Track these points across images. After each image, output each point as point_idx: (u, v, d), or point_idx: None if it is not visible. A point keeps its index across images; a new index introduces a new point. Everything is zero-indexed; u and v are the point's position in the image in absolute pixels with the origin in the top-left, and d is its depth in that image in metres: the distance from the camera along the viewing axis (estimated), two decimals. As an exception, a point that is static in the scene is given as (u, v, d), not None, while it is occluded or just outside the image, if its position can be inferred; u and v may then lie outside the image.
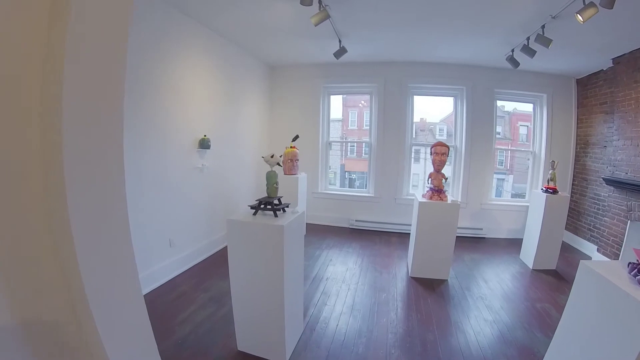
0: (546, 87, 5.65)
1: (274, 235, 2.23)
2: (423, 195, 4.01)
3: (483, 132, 5.71)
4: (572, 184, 5.77)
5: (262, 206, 2.46)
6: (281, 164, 2.87)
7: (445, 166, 4.06)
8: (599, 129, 5.19)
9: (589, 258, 4.81)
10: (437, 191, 3.89)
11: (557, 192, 4.33)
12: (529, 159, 6.05)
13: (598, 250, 4.73)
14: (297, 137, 5.08)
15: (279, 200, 2.58)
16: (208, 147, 4.28)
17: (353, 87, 6.09)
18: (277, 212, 2.44)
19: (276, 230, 2.22)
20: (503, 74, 5.54)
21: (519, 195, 6.54)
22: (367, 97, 6.14)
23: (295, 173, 5.08)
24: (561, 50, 4.28)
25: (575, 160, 5.76)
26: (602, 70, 5.04)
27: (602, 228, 4.76)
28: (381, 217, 5.95)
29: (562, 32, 3.64)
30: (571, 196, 5.56)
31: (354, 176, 7.06)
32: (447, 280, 3.95)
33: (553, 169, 4.43)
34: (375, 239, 5.55)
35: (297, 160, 5.09)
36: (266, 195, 2.57)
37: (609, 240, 4.51)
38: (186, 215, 4.04)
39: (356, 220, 5.97)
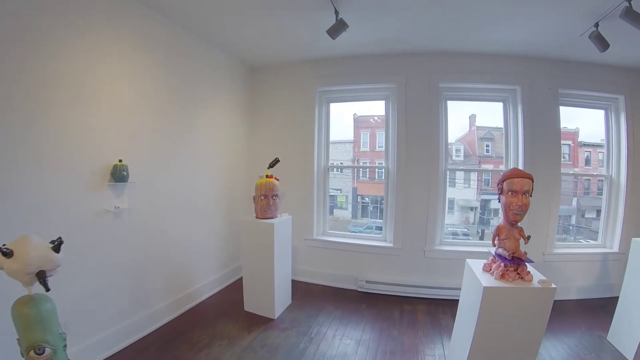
0: (622, 87, 4.07)
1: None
2: (486, 268, 2.23)
3: (545, 151, 3.98)
4: None
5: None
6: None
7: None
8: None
9: None
10: (514, 262, 2.09)
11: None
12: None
13: None
14: (276, 161, 3.43)
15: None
16: (124, 178, 2.66)
17: (361, 90, 4.39)
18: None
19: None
20: (566, 68, 3.99)
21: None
22: (382, 104, 4.40)
23: (272, 215, 3.36)
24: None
25: None
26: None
27: None
28: (402, 276, 4.13)
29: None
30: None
31: (366, 199, 5.60)
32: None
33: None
34: (395, 310, 3.73)
35: (276, 196, 3.36)
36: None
37: None
38: (92, 284, 2.58)
39: (367, 282, 4.13)
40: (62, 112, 2.33)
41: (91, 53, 2.50)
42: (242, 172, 4.54)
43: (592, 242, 4.77)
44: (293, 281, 3.99)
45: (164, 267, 3.30)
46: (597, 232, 4.87)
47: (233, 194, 4.35)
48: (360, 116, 5.17)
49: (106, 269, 2.69)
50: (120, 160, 2.68)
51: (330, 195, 5.22)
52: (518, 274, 2.09)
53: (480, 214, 5.59)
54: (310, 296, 4.04)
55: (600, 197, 5.03)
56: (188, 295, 3.61)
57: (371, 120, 5.09)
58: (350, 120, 5.14)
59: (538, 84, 3.95)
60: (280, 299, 3.57)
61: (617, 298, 3.05)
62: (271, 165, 3.46)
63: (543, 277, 2.11)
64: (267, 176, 3.40)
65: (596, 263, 4.13)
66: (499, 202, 2.23)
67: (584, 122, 4.64)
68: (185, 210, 3.53)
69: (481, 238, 5.35)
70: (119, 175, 2.65)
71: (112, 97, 2.69)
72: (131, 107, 2.86)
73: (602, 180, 4.39)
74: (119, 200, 2.75)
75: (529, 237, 2.16)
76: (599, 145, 4.71)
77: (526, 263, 2.13)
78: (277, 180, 3.44)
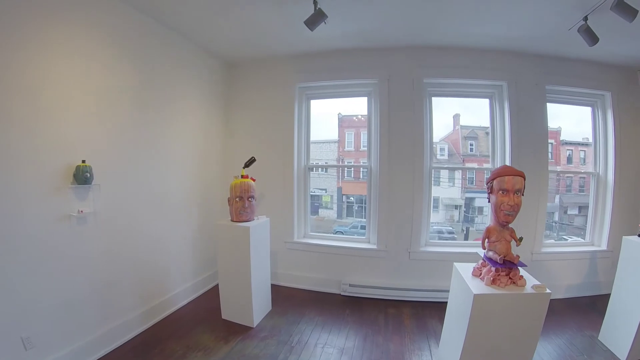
0: (608, 83, 4.01)
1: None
2: (476, 272, 2.09)
3: (532, 150, 3.89)
4: None
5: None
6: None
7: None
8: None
9: None
10: (506, 266, 1.95)
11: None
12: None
13: None
14: (252, 160, 3.22)
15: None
16: (87, 180, 2.44)
17: (342, 86, 4.19)
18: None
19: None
20: (553, 64, 3.91)
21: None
22: (364, 101, 4.24)
23: (248, 218, 3.15)
24: (629, 28, 2.79)
25: None
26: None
27: None
28: (387, 278, 3.97)
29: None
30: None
31: (352, 199, 5.57)
32: None
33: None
34: (380, 315, 3.57)
35: (252, 197, 3.15)
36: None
37: None
38: (57, 294, 2.38)
39: (350, 285, 3.96)
40: (18, 108, 2.10)
41: (52, 47, 2.28)
42: (219, 173, 4.30)
43: (575, 238, 4.78)
44: (273, 286, 3.81)
45: (135, 275, 3.07)
46: (580, 229, 4.88)
47: (209, 196, 4.11)
48: (345, 115, 5.04)
49: (72, 278, 2.48)
50: (83, 161, 2.45)
51: (316, 195, 5.08)
52: (510, 278, 1.95)
53: (465, 212, 5.56)
54: (292, 302, 3.85)
55: (582, 194, 5.03)
56: (162, 304, 3.38)
57: (354, 118, 4.92)
58: (335, 119, 5.00)
59: (525, 80, 3.85)
60: (259, 306, 3.37)
61: (606, 296, 2.98)
62: (247, 165, 3.25)
63: (537, 282, 1.98)
64: (242, 176, 3.18)
65: (584, 261, 4.07)
66: (489, 201, 2.09)
67: (566, 121, 4.62)
68: (156, 213, 3.30)
69: (466, 236, 5.33)
70: (81, 177, 2.42)
71: (74, 94, 2.45)
72: (96, 104, 2.62)
73: (584, 177, 4.36)
74: (83, 204, 2.53)
75: (521, 239, 2.03)
76: (581, 144, 4.71)
77: (516, 266, 2.00)
78: (254, 180, 3.23)
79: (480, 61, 3.81)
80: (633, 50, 3.54)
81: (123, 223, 2.91)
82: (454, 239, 5.01)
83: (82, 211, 2.48)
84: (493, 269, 1.98)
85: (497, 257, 1.97)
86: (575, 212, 5.26)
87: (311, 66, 4.09)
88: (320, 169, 5.13)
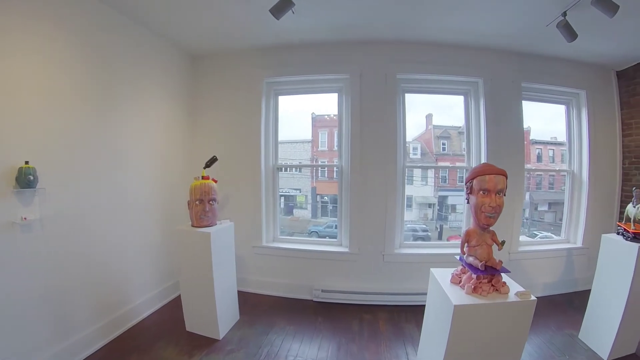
0: (583, 82, 4.02)
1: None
2: (455, 279, 1.94)
3: (509, 148, 3.82)
4: (620, 214, 4.12)
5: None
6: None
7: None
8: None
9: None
10: (488, 273, 1.80)
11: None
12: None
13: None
14: (213, 160, 2.95)
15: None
16: (30, 183, 2.18)
17: (312, 81, 3.98)
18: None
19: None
20: (529, 61, 3.86)
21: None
22: (336, 97, 4.04)
23: (210, 223, 2.88)
24: (607, 26, 2.85)
25: (622, 180, 4.16)
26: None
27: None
28: (361, 282, 3.80)
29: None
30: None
31: (326, 198, 5.40)
32: None
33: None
34: (354, 321, 3.40)
35: (214, 200, 2.88)
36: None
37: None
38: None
39: (322, 291, 3.76)
40: None
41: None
42: (183, 174, 3.97)
43: (545, 233, 4.81)
44: (242, 293, 3.59)
45: (91, 286, 2.76)
46: (551, 224, 4.93)
47: (173, 199, 3.79)
48: (318, 115, 4.86)
49: (17, 293, 2.19)
50: (26, 162, 2.15)
51: (290, 195, 4.85)
52: (492, 285, 1.81)
53: (438, 210, 5.53)
54: (261, 310, 3.61)
55: (551, 190, 5.09)
56: (121, 317, 3.07)
57: (326, 117, 4.74)
58: (309, 119, 4.81)
59: (501, 76, 3.78)
60: (225, 316, 3.12)
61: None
62: (207, 165, 2.98)
63: (520, 287, 1.85)
64: (202, 177, 2.90)
65: (561, 259, 4.06)
66: (467, 202, 1.94)
67: (535, 121, 4.64)
68: (113, 219, 2.99)
69: (440, 234, 5.30)
70: (24, 180, 2.13)
71: (16, 87, 2.16)
72: (42, 98, 2.32)
73: (553, 175, 4.38)
74: (28, 210, 2.23)
75: (503, 243, 1.88)
76: (550, 143, 4.76)
77: (499, 272, 1.85)
78: (215, 181, 2.96)
79: (456, 57, 3.70)
80: (610, 49, 3.57)
81: (74, 231, 2.61)
82: (428, 237, 4.98)
83: (25, 218, 2.18)
84: (474, 276, 1.83)
85: (478, 263, 1.82)
86: (545, 208, 5.35)
87: (279, 60, 3.86)
88: (294, 169, 4.92)
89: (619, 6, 2.34)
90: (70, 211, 2.57)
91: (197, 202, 2.84)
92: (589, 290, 2.94)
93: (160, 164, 3.63)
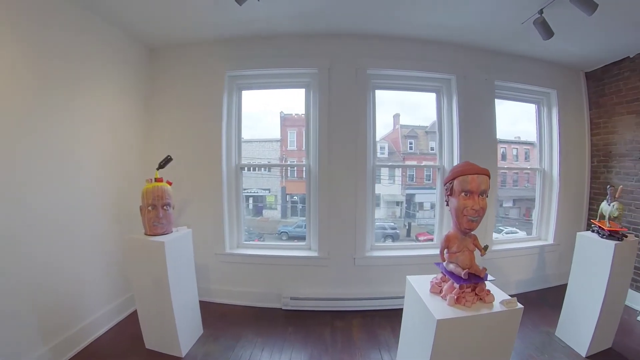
0: (555, 82, 4.14)
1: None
2: (435, 289, 1.79)
3: (482, 146, 3.79)
4: (590, 211, 4.29)
5: None
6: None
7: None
8: (628, 135, 3.87)
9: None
10: (471, 282, 1.67)
11: (624, 235, 2.59)
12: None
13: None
14: (167, 160, 2.64)
15: None
16: None
17: (278, 75, 3.73)
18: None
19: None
20: (502, 60, 3.87)
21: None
22: (302, 92, 3.82)
23: (165, 230, 2.58)
24: (582, 26, 2.91)
25: (591, 178, 4.29)
26: (629, 57, 3.75)
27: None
28: (332, 288, 3.63)
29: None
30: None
31: (296, 198, 5.12)
32: None
33: (614, 198, 2.63)
34: (326, 329, 3.22)
35: (169, 205, 2.58)
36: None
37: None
38: None
39: (292, 298, 3.54)
40: None
41: None
42: (138, 177, 3.57)
43: (510, 229, 4.89)
44: (206, 304, 3.35)
45: (36, 305, 2.42)
46: (516, 220, 5.02)
47: (129, 205, 3.39)
48: (287, 114, 4.63)
49: None
50: None
51: (259, 196, 4.59)
52: (476, 294, 1.68)
53: (406, 208, 5.52)
54: (227, 322, 3.34)
55: (515, 187, 5.19)
56: (74, 336, 2.73)
57: (294, 115, 4.52)
58: (277, 118, 4.57)
59: (474, 74, 3.74)
60: (187, 331, 2.85)
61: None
62: (161, 166, 2.66)
63: (504, 295, 1.74)
64: (155, 179, 2.59)
65: (533, 256, 4.12)
66: (447, 205, 1.80)
67: (500, 120, 4.70)
68: (60, 228, 2.65)
69: (408, 231, 5.29)
70: None
71: None
72: None
73: (517, 172, 4.45)
74: None
75: (486, 248, 1.76)
76: (514, 142, 4.85)
77: (483, 280, 1.73)
78: (170, 184, 2.65)
79: (429, 53, 3.61)
80: (581, 50, 3.64)
81: (14, 244, 2.26)
82: (397, 235, 4.94)
83: None
84: (456, 285, 1.69)
85: (460, 271, 1.68)
86: (510, 204, 5.47)
87: (243, 52, 3.59)
88: (263, 169, 4.67)
89: (597, 4, 2.32)
90: (9, 221, 2.23)
91: (149, 208, 2.53)
92: (562, 286, 2.97)
93: (113, 165, 3.27)
